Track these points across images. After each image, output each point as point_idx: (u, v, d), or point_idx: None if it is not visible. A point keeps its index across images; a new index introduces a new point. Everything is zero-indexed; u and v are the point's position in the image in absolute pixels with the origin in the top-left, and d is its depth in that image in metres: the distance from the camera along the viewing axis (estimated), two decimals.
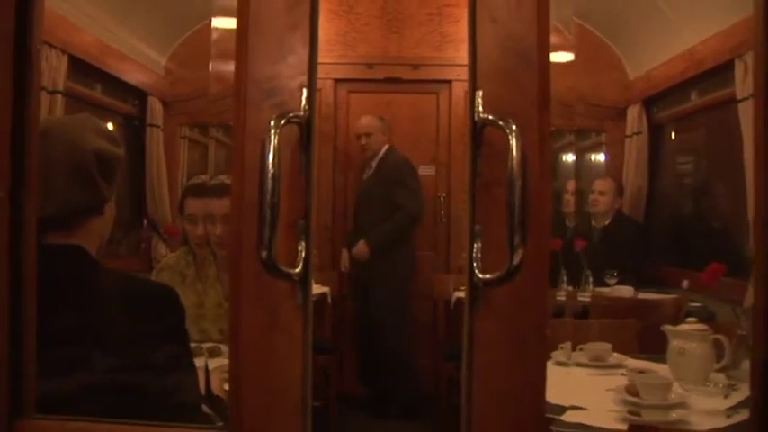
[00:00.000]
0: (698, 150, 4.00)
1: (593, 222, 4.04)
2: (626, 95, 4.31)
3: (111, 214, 1.37)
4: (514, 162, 0.84)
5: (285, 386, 0.93)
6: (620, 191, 4.09)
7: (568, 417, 1.69)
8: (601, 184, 4.06)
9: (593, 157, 4.57)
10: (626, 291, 3.46)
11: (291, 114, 0.88)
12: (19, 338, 1.00)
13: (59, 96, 3.08)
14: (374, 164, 4.29)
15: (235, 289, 0.93)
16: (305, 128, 0.91)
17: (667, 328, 2.08)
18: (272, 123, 0.84)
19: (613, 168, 4.30)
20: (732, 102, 3.01)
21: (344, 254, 4.31)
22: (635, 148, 4.22)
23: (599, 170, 4.43)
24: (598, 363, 2.23)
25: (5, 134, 0.97)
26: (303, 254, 0.91)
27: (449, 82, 4.54)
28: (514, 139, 0.84)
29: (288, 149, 0.91)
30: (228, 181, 2.24)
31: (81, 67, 3.22)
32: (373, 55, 4.58)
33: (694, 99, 3.75)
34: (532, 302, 0.89)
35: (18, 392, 1.00)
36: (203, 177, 2.43)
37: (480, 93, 0.90)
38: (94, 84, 3.55)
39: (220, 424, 1.23)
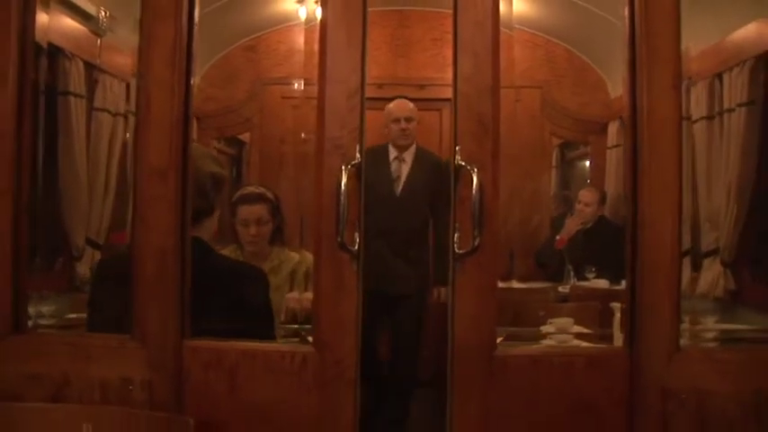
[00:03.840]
0: None
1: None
2: (607, 112, 4.83)
3: (216, 216, 2.02)
4: (474, 189, 1.54)
5: (345, 316, 1.61)
6: (603, 200, 4.58)
7: None
8: (586, 197, 4.44)
9: (586, 164, 5.11)
10: (602, 283, 4.05)
11: (353, 162, 1.57)
12: (184, 290, 1.68)
13: (121, 118, 3.70)
14: (408, 159, 3.70)
15: (317, 259, 1.62)
16: (359, 169, 1.60)
17: (614, 305, 2.71)
18: (342, 168, 1.54)
19: (596, 176, 4.84)
20: (688, 120, 3.58)
21: None
22: (615, 159, 4.74)
23: (585, 177, 4.97)
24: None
25: (177, 170, 1.64)
26: (357, 239, 1.60)
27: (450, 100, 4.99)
28: (475, 177, 1.53)
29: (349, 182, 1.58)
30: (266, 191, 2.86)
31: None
32: (383, 76, 4.90)
33: None
34: (487, 267, 1.59)
35: (183, 322, 1.68)
36: (251, 188, 3.07)
37: (458, 147, 1.59)
38: None
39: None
